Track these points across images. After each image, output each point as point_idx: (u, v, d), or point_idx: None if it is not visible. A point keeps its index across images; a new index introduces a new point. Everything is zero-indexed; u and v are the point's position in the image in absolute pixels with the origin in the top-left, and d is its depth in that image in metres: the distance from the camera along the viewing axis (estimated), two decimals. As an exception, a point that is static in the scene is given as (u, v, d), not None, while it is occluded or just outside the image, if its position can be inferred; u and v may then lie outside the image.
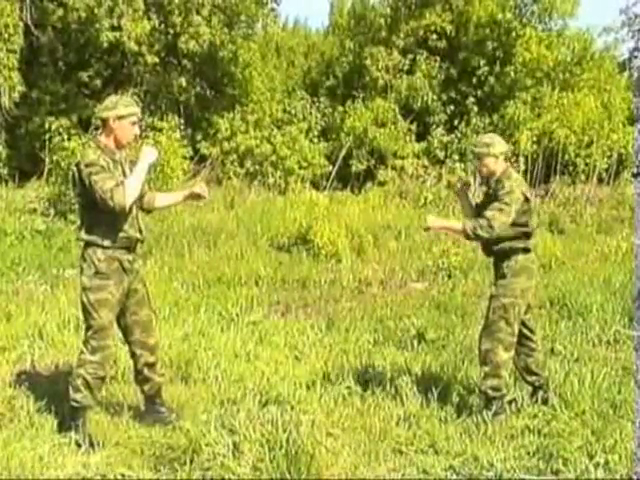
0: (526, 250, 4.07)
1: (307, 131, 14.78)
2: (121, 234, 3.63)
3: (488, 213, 3.91)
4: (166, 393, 4.24)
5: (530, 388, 4.27)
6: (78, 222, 3.83)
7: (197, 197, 4.02)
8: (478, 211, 4.14)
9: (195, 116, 14.83)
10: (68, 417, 3.76)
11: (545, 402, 4.17)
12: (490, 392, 4.02)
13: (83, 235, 3.68)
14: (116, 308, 3.71)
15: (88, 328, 3.68)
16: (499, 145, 4.08)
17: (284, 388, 4.30)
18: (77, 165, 3.61)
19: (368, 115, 14.24)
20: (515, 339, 4.06)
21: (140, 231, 3.75)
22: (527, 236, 4.07)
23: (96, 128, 3.82)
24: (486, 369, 4.04)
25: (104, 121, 3.65)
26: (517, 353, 4.16)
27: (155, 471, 3.46)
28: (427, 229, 4.13)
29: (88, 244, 3.64)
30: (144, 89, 14.17)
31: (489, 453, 3.56)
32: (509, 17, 14.40)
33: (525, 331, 4.17)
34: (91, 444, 3.59)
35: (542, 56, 14.34)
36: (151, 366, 3.90)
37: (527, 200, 4.02)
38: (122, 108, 3.62)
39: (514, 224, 3.95)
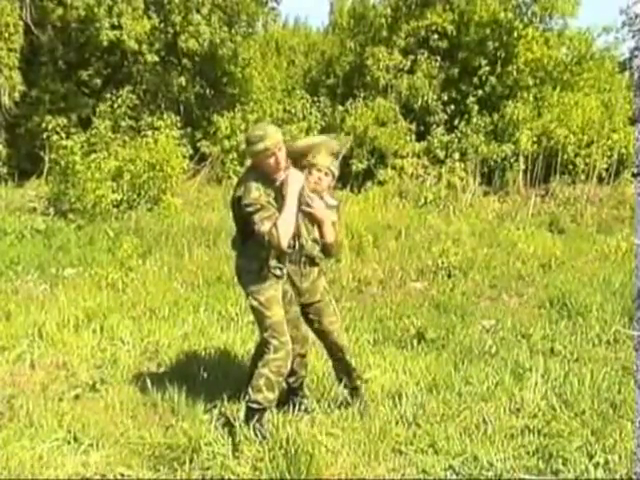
0: None
1: (307, 130, 14.75)
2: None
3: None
4: (166, 393, 4.25)
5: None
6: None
7: None
8: None
9: (195, 115, 14.82)
10: (243, 417, 3.70)
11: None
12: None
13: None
14: (281, 305, 3.77)
15: (264, 329, 3.70)
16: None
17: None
18: (238, 199, 3.65)
19: (369, 114, 14.21)
20: None
21: (295, 242, 3.83)
22: None
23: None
24: None
25: (250, 155, 3.72)
26: None
27: (155, 471, 3.46)
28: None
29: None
30: (144, 88, 14.14)
31: (489, 453, 3.56)
32: (510, 17, 14.38)
33: None
34: (264, 438, 3.57)
35: (545, 56, 14.33)
36: (302, 358, 4.03)
37: None
38: (257, 145, 3.58)
39: None
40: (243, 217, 3.67)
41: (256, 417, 3.65)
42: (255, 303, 3.71)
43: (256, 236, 3.60)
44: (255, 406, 3.66)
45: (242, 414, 3.72)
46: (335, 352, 4.13)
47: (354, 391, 4.17)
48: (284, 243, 3.55)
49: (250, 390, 3.67)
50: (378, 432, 3.78)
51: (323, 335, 4.11)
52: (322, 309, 4.05)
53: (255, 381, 3.66)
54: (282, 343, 3.66)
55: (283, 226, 3.54)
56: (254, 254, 3.71)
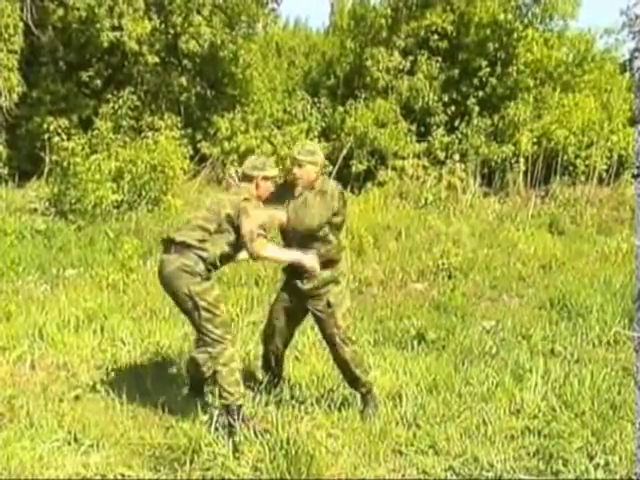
0: None
1: (307, 131, 14.75)
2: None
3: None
4: (166, 394, 4.25)
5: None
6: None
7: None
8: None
9: (195, 116, 14.81)
10: (225, 420, 3.72)
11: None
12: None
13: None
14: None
15: (215, 327, 3.78)
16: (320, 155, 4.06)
17: (284, 388, 4.31)
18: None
19: (369, 115, 14.21)
20: None
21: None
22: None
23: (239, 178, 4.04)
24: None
25: (251, 177, 3.95)
26: None
27: (155, 471, 3.46)
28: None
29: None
30: (144, 89, 14.13)
31: (489, 454, 3.56)
32: (510, 18, 14.38)
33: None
34: (257, 435, 3.61)
35: (545, 57, 14.33)
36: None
37: None
38: (269, 170, 3.98)
39: None
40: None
41: (238, 414, 3.73)
42: (204, 303, 3.77)
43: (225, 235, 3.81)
44: (239, 402, 3.76)
45: (221, 419, 3.73)
46: (338, 362, 4.12)
47: (361, 397, 4.18)
48: (262, 255, 3.77)
49: (227, 388, 3.74)
50: (378, 433, 3.78)
51: (327, 343, 4.14)
52: (324, 320, 4.03)
53: (228, 378, 3.75)
54: (233, 337, 3.94)
55: (273, 252, 3.85)
56: (205, 257, 3.79)
